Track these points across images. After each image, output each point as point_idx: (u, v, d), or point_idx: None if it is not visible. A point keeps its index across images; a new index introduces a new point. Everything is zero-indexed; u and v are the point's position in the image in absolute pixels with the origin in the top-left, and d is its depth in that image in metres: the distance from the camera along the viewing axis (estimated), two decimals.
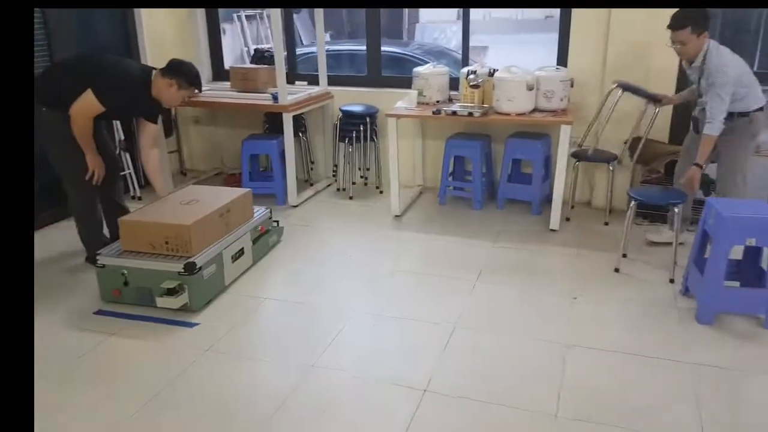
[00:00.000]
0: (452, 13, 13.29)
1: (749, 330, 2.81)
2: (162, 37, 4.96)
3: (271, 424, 2.24)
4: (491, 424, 2.23)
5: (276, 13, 4.10)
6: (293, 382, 2.47)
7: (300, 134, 4.81)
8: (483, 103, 4.05)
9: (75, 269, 3.49)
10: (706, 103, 3.20)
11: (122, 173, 3.73)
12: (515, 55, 5.79)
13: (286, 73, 4.31)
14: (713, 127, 3.13)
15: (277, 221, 3.84)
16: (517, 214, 4.29)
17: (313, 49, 6.69)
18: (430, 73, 4.23)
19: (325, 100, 4.75)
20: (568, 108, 3.95)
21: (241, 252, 3.35)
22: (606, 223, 4.07)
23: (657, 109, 3.65)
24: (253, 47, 8.99)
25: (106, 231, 3.58)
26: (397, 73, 4.86)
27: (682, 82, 3.94)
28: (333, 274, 3.46)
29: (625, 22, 3.94)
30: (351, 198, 4.67)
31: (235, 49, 8.10)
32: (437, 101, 4.23)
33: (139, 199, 4.65)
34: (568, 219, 4.11)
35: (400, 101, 4.27)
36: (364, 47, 4.88)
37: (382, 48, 4.85)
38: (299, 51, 5.63)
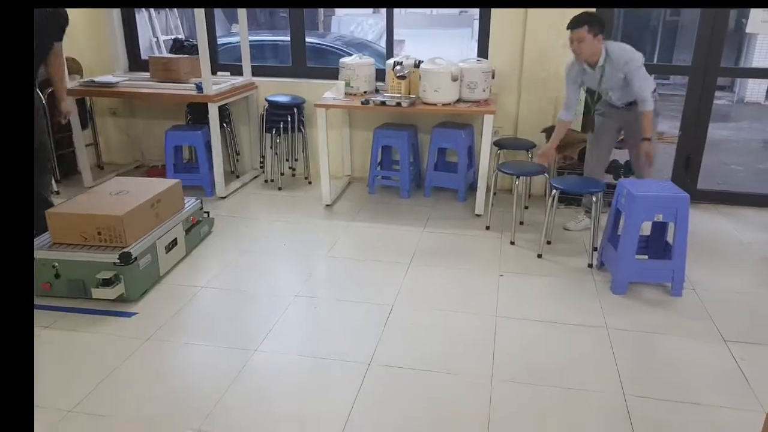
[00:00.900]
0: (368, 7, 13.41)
1: (658, 297, 3.10)
2: (73, 25, 4.69)
3: (218, 408, 2.24)
4: (433, 389, 2.35)
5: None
6: (238, 367, 2.48)
7: (225, 125, 4.73)
8: (410, 94, 4.17)
9: None
10: (612, 91, 3.50)
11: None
12: (431, 47, 5.96)
13: None
14: (647, 103, 3.43)
15: (208, 212, 3.78)
16: (443, 201, 4.45)
17: (231, 39, 6.59)
18: (357, 64, 4.29)
19: (249, 90, 4.70)
20: (490, 98, 4.14)
21: (174, 242, 3.31)
22: (526, 207, 4.32)
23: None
24: (162, 38, 8.71)
25: None
26: (318, 64, 4.89)
27: None
28: (268, 262, 3.45)
29: (541, 14, 4.17)
30: (280, 189, 4.65)
31: (143, 39, 7.82)
32: (364, 92, 4.31)
33: (57, 193, 4.42)
34: (492, 205, 4.32)
35: (327, 92, 4.31)
36: (284, 38, 4.87)
37: None
38: (218, 41, 5.52)
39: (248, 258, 3.49)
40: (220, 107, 4.31)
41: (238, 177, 4.83)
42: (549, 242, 3.71)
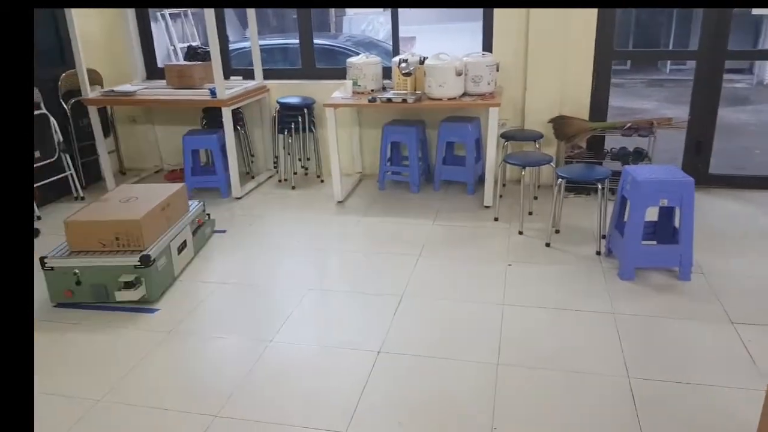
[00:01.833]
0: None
1: (666, 282, 3.13)
2: (91, 38, 4.89)
3: (238, 393, 2.36)
4: (441, 375, 2.43)
5: (210, 10, 4.14)
6: (255, 356, 2.60)
7: (238, 128, 4.86)
8: (415, 90, 4.25)
9: None
10: None
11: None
12: (441, 43, 6.01)
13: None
14: None
15: (209, 213, 3.91)
16: (453, 194, 4.52)
17: (243, 44, 6.73)
18: (364, 63, 4.38)
19: (261, 93, 4.82)
20: (495, 91, 4.20)
21: (184, 244, 3.44)
22: (536, 198, 4.36)
23: None
24: (179, 45, 8.92)
25: None
26: (329, 65, 5.00)
27: (599, 56, 4.28)
28: (283, 257, 3.57)
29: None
30: (293, 188, 4.77)
31: (161, 47, 8.02)
32: (372, 90, 4.39)
33: (82, 199, 4.62)
34: (501, 196, 4.38)
35: (336, 91, 4.41)
36: (294, 41, 4.98)
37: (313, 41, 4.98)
38: (230, 47, 5.66)
39: (263, 254, 3.61)
40: (233, 111, 4.43)
41: (253, 177, 4.96)
42: (557, 231, 3.76)
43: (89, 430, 2.21)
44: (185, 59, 5.13)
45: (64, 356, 2.67)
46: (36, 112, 4.35)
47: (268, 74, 4.94)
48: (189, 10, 9.64)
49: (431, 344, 2.65)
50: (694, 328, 2.73)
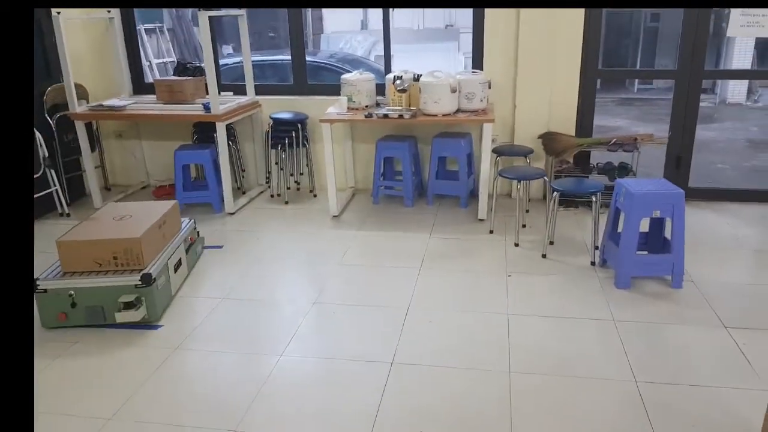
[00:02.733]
0: (356, 24, 13.71)
1: (660, 290, 3.25)
2: (77, 52, 4.84)
3: (254, 408, 2.34)
4: (457, 383, 2.47)
5: (206, 25, 4.15)
6: (267, 371, 2.59)
7: (230, 143, 4.86)
8: (410, 106, 4.33)
9: None
10: None
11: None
12: (418, 62, 6.15)
13: None
14: None
15: (198, 231, 3.87)
16: (446, 208, 4.59)
17: (228, 60, 6.75)
18: (358, 80, 4.44)
19: (254, 108, 4.84)
20: (488, 108, 4.31)
21: (179, 262, 3.39)
22: (527, 211, 4.48)
23: None
24: (154, 61, 8.87)
25: None
26: (312, 81, 5.06)
27: (584, 75, 4.44)
28: (283, 272, 3.57)
29: (532, 23, 4.35)
30: (287, 203, 4.78)
31: None
32: (366, 106, 4.46)
33: (68, 215, 4.52)
34: (492, 210, 4.47)
35: (331, 107, 4.46)
36: (277, 57, 5.02)
37: None
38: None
39: (263, 269, 3.60)
40: (226, 126, 4.44)
41: (244, 193, 4.95)
42: (552, 243, 3.86)
43: None
44: (174, 74, 5.12)
45: (69, 375, 2.61)
46: None
47: (259, 90, 4.96)
48: (164, 26, 9.64)
49: (443, 354, 2.69)
50: (692, 333, 2.84)
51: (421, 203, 4.70)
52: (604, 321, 2.95)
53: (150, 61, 8.95)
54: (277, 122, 4.73)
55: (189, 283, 3.44)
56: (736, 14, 4.21)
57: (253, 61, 4.90)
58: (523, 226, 4.18)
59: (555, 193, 3.65)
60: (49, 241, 3.76)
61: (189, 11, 9.53)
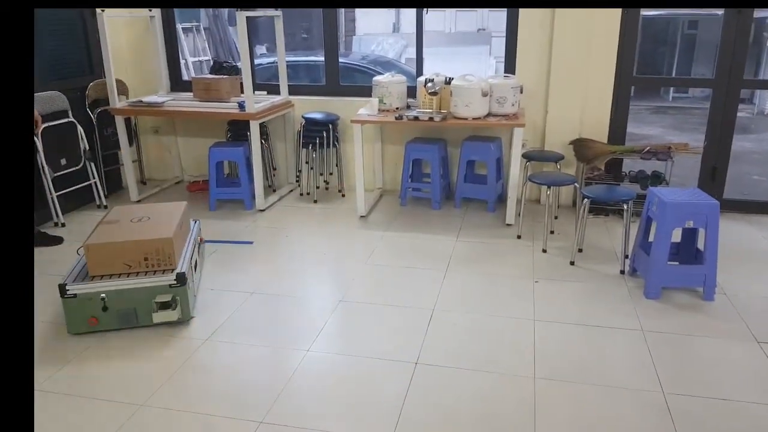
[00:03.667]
0: (388, 26, 13.77)
1: (691, 302, 3.21)
2: (119, 48, 4.98)
3: (281, 401, 2.39)
4: (480, 386, 2.48)
5: (243, 25, 4.24)
6: (294, 365, 2.64)
7: (263, 141, 4.93)
8: (441, 109, 4.35)
9: None
10: None
11: None
12: (449, 65, 6.16)
13: None
14: None
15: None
16: (473, 211, 4.59)
17: (262, 60, 6.85)
18: (390, 82, 4.48)
19: (286, 108, 4.91)
20: (519, 112, 4.30)
21: (196, 262, 3.37)
22: (556, 217, 4.45)
23: None
24: (190, 59, 9.05)
25: None
26: (345, 82, 5.12)
27: (618, 82, 4.40)
28: (310, 269, 3.62)
29: (566, 28, 4.33)
30: (315, 201, 4.84)
31: None
32: (397, 108, 4.49)
33: (105, 207, 4.66)
34: (520, 215, 4.45)
35: (362, 108, 4.50)
36: (308, 58, 5.07)
37: None
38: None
39: (291, 266, 3.66)
40: (259, 124, 4.51)
41: (274, 191, 5.03)
42: (580, 250, 3.83)
43: None
44: (211, 73, 5.23)
45: (102, 362, 2.70)
46: (64, 120, 4.42)
47: (292, 90, 5.04)
48: (201, 25, 9.82)
49: (467, 357, 2.70)
50: (722, 346, 2.80)
51: (448, 206, 4.71)
52: (632, 330, 2.92)
53: (186, 59, 9.13)
54: (308, 122, 4.79)
55: (223, 276, 3.51)
56: None
57: (286, 62, 4.97)
58: (552, 232, 4.16)
59: (585, 200, 3.62)
60: (83, 234, 3.88)
61: (225, 11, 9.70)
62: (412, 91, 4.65)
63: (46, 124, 4.20)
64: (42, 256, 3.81)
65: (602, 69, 4.38)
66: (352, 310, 3.14)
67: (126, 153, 4.75)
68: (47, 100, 4.30)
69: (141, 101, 4.68)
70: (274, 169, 5.20)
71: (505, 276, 3.49)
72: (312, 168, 4.91)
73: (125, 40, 5.11)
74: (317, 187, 5.00)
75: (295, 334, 2.90)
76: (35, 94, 4.18)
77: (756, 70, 10.71)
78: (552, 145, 4.58)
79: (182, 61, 8.27)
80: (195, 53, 9.61)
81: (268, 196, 4.82)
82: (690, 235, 3.40)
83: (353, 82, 6.05)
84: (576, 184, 3.94)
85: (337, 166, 5.05)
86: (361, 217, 4.47)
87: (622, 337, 2.86)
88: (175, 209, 3.33)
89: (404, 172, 4.69)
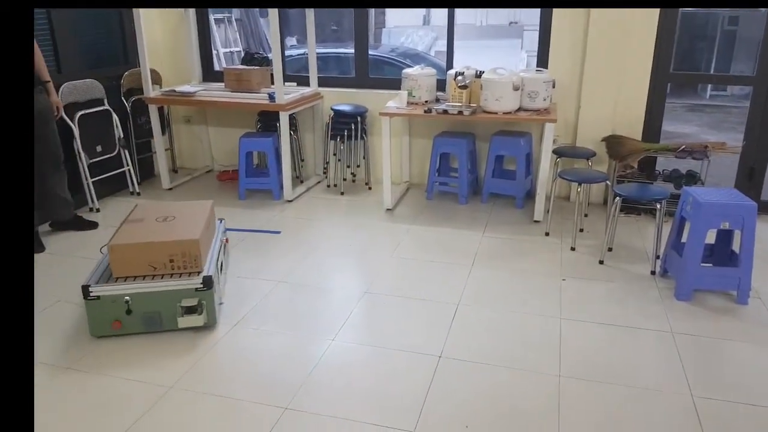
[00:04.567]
0: (418, 18, 13.69)
1: (724, 305, 3.13)
2: (154, 39, 5.06)
3: (306, 388, 2.42)
4: (504, 382, 2.46)
5: (274, 17, 4.25)
6: (319, 353, 2.66)
7: (291, 132, 4.96)
8: (470, 103, 4.31)
9: None
10: None
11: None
12: (480, 58, 6.08)
13: None
14: None
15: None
16: (500, 207, 4.55)
17: (292, 52, 6.88)
18: (419, 75, 4.45)
19: (316, 100, 4.93)
20: (550, 107, 4.24)
21: (221, 264, 3.23)
22: (586, 215, 4.38)
23: None
24: (222, 50, 9.14)
25: None
26: (374, 74, 5.10)
27: (654, 78, 4.30)
28: (336, 260, 3.63)
29: (602, 22, 4.24)
30: (342, 193, 4.85)
31: None
32: (426, 101, 4.46)
33: (138, 194, 4.75)
34: (548, 212, 4.39)
35: (391, 101, 4.48)
36: (338, 50, 5.07)
37: None
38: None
39: (317, 256, 3.68)
40: (288, 116, 4.54)
41: (302, 182, 5.06)
42: (610, 249, 3.77)
43: (163, 414, 2.28)
44: (242, 64, 5.27)
45: (135, 346, 2.76)
46: (100, 108, 4.51)
47: (321, 82, 5.05)
48: (233, 17, 9.91)
49: (492, 352, 2.68)
50: (755, 351, 2.72)
51: (475, 201, 4.67)
52: (661, 332, 2.86)
53: (218, 50, 9.23)
54: (337, 114, 4.80)
55: (247, 265, 3.55)
56: None
57: (316, 54, 4.98)
58: (581, 230, 4.10)
59: (617, 198, 3.56)
60: (117, 220, 3.97)
61: None
62: (441, 85, 4.62)
63: (82, 112, 4.30)
64: (77, 239, 3.91)
65: (638, 64, 4.28)
66: (377, 301, 3.14)
67: (159, 141, 4.83)
68: (84, 88, 4.40)
69: (174, 91, 4.75)
70: (302, 160, 5.23)
71: (531, 273, 3.46)
72: (339, 160, 4.93)
73: (160, 31, 5.18)
74: (344, 180, 5.02)
75: (321, 324, 2.92)
76: (73, 82, 4.28)
77: None
78: (584, 142, 4.51)
79: (214, 52, 8.37)
80: (227, 44, 9.71)
81: (296, 187, 4.85)
82: (725, 236, 3.32)
83: (382, 74, 6.05)
84: (608, 181, 3.87)
85: (364, 158, 5.05)
86: (388, 210, 4.47)
87: (650, 339, 2.81)
88: (201, 209, 3.21)
89: (431, 166, 4.67)
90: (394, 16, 13.22)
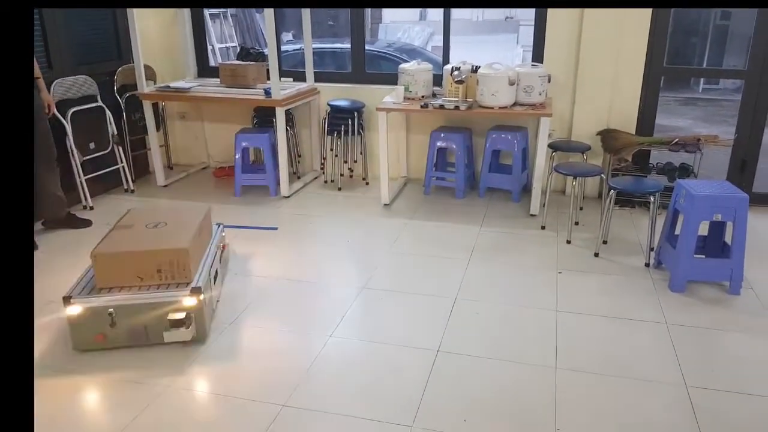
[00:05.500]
0: (415, 14, 13.67)
1: (717, 295, 3.17)
2: (147, 34, 5.04)
3: (303, 385, 2.44)
4: (501, 375, 2.49)
5: (270, 13, 4.25)
6: (316, 349, 2.68)
7: (288, 128, 4.97)
8: (467, 98, 4.32)
9: None
10: None
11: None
12: (475, 54, 6.10)
13: None
14: None
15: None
16: (497, 201, 4.58)
17: (288, 47, 6.88)
18: (416, 70, 4.47)
19: (312, 95, 4.93)
20: (546, 102, 4.26)
21: (216, 273, 3.07)
22: (581, 208, 4.41)
23: None
24: (217, 45, 9.11)
25: None
26: (370, 69, 5.11)
27: (648, 72, 4.33)
28: (334, 256, 3.65)
29: (596, 18, 4.27)
30: (339, 189, 4.86)
31: None
32: (422, 96, 4.48)
33: (132, 191, 4.74)
34: (544, 205, 4.42)
35: (387, 96, 4.50)
36: (334, 45, 5.06)
37: None
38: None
39: (314, 252, 3.70)
40: (285, 111, 4.54)
41: (299, 177, 5.07)
42: (605, 242, 3.81)
43: (159, 413, 2.29)
44: (237, 59, 5.26)
45: (125, 356, 2.76)
46: (93, 105, 4.49)
47: (318, 77, 5.05)
48: (228, 12, 9.87)
49: (489, 346, 2.71)
50: (748, 340, 2.77)
51: (472, 195, 4.70)
52: (656, 323, 2.90)
53: (213, 46, 9.20)
54: (334, 109, 4.81)
55: (244, 262, 3.57)
56: None
57: (312, 49, 4.98)
58: (576, 223, 4.13)
59: (612, 191, 3.59)
60: (111, 218, 3.97)
61: None
62: (438, 80, 4.64)
63: (74, 108, 4.29)
64: (70, 237, 3.91)
65: (632, 59, 4.31)
66: (374, 297, 3.16)
67: (153, 138, 4.83)
68: (76, 84, 4.38)
69: (168, 87, 4.74)
70: (299, 156, 5.24)
71: (528, 266, 3.49)
72: (336, 155, 4.94)
73: (154, 26, 5.16)
74: (341, 175, 5.03)
75: (318, 320, 2.94)
76: (65, 79, 4.27)
77: None
78: (579, 136, 4.53)
79: (209, 47, 8.35)
80: (222, 39, 9.67)
81: (293, 182, 4.86)
82: (717, 228, 3.35)
83: (379, 69, 6.06)
84: (602, 175, 3.90)
85: (361, 153, 5.06)
86: (385, 205, 4.49)
87: (645, 330, 2.84)
88: (196, 213, 3.06)
89: (429, 161, 4.69)
90: (391, 11, 13.19)
